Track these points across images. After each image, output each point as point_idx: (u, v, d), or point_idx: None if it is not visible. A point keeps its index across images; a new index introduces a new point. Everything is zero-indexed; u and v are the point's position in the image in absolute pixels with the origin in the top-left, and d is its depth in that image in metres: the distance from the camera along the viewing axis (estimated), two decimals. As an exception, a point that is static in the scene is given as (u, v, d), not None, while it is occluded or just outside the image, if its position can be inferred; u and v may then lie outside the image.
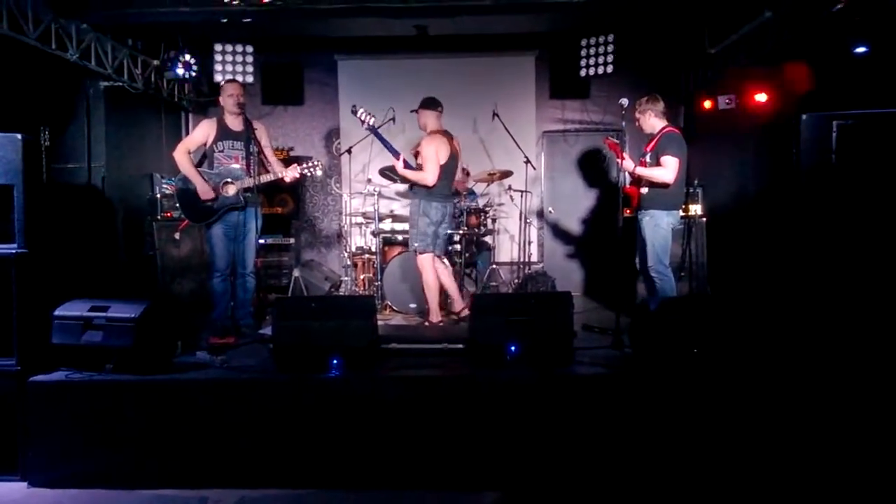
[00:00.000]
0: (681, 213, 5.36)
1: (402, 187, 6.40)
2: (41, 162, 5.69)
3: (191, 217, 5.24)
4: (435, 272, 5.47)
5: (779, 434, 3.66)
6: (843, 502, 3.48)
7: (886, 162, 3.89)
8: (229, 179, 5.08)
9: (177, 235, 6.74)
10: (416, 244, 5.48)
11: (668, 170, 4.95)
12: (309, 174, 5.27)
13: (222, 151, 5.15)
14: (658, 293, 5.01)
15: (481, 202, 7.04)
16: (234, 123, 5.20)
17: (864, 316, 3.83)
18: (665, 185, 4.98)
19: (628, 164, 5.04)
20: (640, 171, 5.04)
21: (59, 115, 6.37)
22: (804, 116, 4.03)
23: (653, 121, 5.17)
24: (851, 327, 3.83)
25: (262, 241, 5.75)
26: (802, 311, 4.00)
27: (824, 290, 3.95)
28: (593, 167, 8.09)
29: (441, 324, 5.54)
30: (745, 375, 3.75)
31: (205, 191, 5.03)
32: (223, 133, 5.18)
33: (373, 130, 5.62)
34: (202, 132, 5.22)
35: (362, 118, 5.58)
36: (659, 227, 5.01)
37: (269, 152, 5.31)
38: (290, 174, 5.15)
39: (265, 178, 5.10)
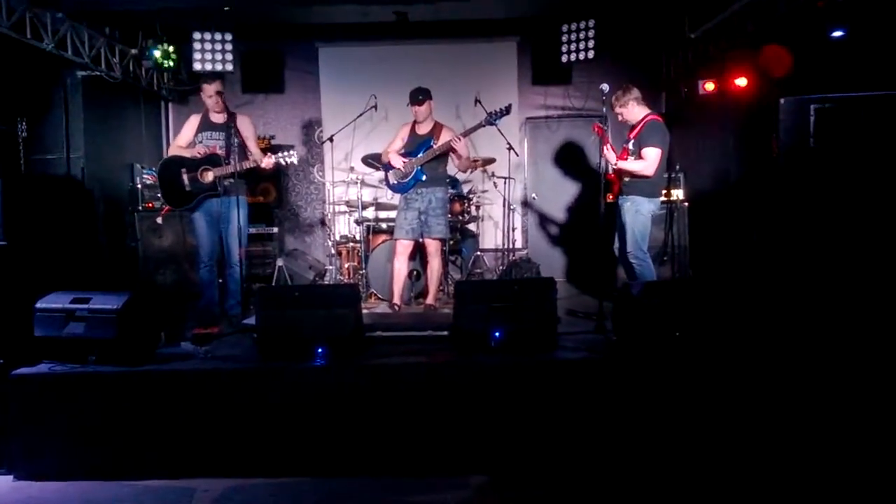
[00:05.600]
0: (662, 198, 5.40)
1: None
2: (18, 153, 5.64)
3: (170, 201, 5.29)
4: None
5: (761, 416, 3.71)
6: (829, 483, 3.53)
7: (863, 144, 3.94)
8: (207, 166, 5.10)
9: (158, 220, 6.70)
10: (446, 233, 5.69)
11: (648, 162, 4.98)
12: (284, 163, 5.25)
13: (202, 142, 5.22)
14: (638, 279, 5.06)
15: (465, 189, 7.04)
16: (217, 116, 5.30)
17: (843, 296, 3.89)
18: (645, 177, 5.02)
19: (610, 155, 5.06)
20: (621, 164, 5.08)
21: (36, 106, 6.29)
22: (783, 100, 4.08)
23: (635, 110, 5.19)
24: (831, 307, 3.90)
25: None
26: (783, 293, 4.06)
27: (804, 271, 4.01)
28: (576, 153, 8.12)
29: (434, 308, 5.61)
30: (727, 358, 3.81)
31: (196, 151, 5.12)
32: (204, 125, 5.28)
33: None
34: (189, 127, 5.32)
35: None
36: (640, 213, 5.05)
37: (251, 143, 5.30)
38: (266, 162, 5.16)
39: (242, 165, 5.11)
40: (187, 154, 5.18)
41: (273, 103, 8.28)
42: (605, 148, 5.02)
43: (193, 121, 5.34)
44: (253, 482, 3.67)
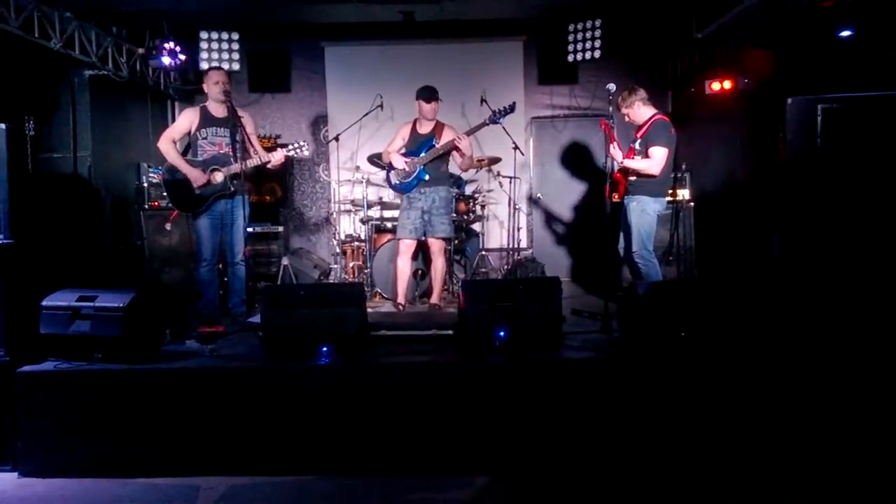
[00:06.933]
0: (668, 198, 5.39)
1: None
2: (26, 151, 5.66)
3: (179, 206, 5.23)
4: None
5: (767, 417, 3.70)
6: (832, 482, 3.52)
7: (870, 145, 3.92)
8: (216, 166, 5.06)
9: (168, 226, 6.72)
10: (450, 232, 5.68)
11: (654, 162, 4.97)
12: (295, 155, 5.24)
13: (206, 139, 5.12)
14: (643, 279, 5.04)
15: (470, 189, 7.03)
16: (218, 111, 5.17)
17: (850, 298, 3.87)
18: (651, 177, 5.00)
19: (617, 153, 5.05)
20: (628, 163, 5.07)
21: (43, 105, 6.32)
22: (789, 100, 4.05)
23: (641, 110, 5.18)
24: (837, 309, 3.87)
25: (250, 229, 5.73)
26: (789, 293, 4.04)
27: (810, 272, 3.98)
28: (582, 153, 8.11)
29: (439, 307, 5.61)
30: (733, 358, 3.79)
31: (196, 177, 5.00)
32: (207, 120, 5.14)
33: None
34: (186, 120, 5.19)
35: None
36: (645, 212, 5.04)
37: (254, 140, 5.26)
38: (276, 157, 5.12)
39: (251, 163, 5.07)
40: (184, 168, 5.03)
41: (279, 102, 8.30)
42: (611, 146, 5.00)
43: (191, 115, 5.17)
44: (257, 480, 3.67)
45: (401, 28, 7.72)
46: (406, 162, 5.49)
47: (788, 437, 3.67)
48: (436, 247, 5.60)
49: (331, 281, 6.98)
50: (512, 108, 5.38)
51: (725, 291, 4.09)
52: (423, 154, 5.46)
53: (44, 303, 3.89)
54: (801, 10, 5.22)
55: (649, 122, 5.11)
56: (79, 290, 3.94)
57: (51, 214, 5.38)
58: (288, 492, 3.57)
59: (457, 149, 5.42)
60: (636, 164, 5.06)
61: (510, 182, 6.88)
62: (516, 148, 6.64)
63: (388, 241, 6.30)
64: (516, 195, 7.05)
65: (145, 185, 6.91)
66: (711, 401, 3.72)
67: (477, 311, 4.02)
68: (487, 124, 5.39)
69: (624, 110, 5.19)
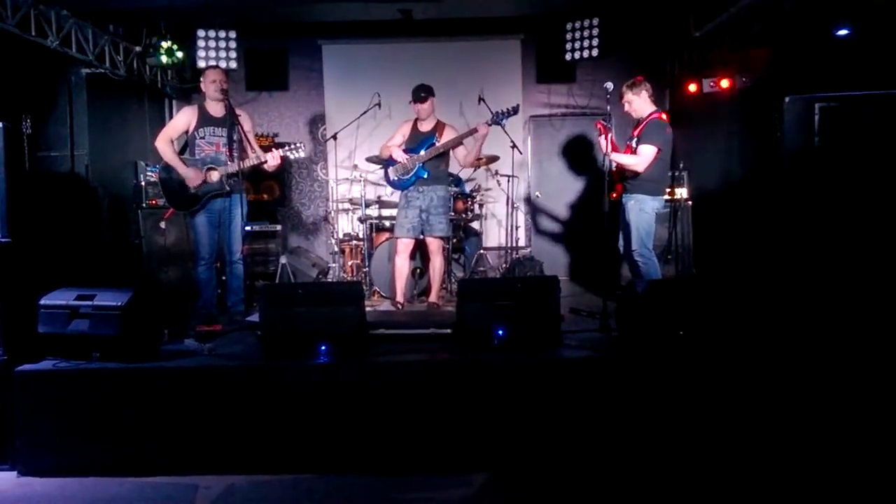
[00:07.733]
0: (666, 196, 5.39)
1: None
2: (23, 150, 5.65)
3: (175, 205, 5.21)
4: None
5: (764, 416, 3.70)
6: (830, 483, 3.53)
7: (867, 143, 3.93)
8: (212, 166, 5.05)
9: (162, 224, 6.71)
10: (448, 231, 5.73)
11: (640, 159, 4.97)
12: (292, 156, 5.22)
13: (203, 138, 5.10)
14: (643, 277, 5.04)
15: (468, 187, 7.03)
16: (216, 110, 5.16)
17: (847, 295, 3.88)
18: (635, 174, 5.01)
19: (606, 146, 5.03)
20: (615, 157, 5.07)
21: (40, 103, 6.30)
22: (787, 99, 4.06)
23: (644, 104, 5.16)
24: (835, 307, 3.88)
25: (248, 228, 5.71)
26: (787, 292, 4.05)
27: (808, 271, 3.99)
28: (580, 152, 8.11)
29: (437, 306, 5.61)
30: (731, 357, 3.80)
31: (192, 177, 4.99)
32: (204, 119, 5.12)
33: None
34: (184, 119, 5.17)
35: None
36: (644, 211, 5.04)
37: (251, 138, 5.24)
38: (273, 158, 5.10)
39: (248, 162, 5.06)
40: (179, 167, 5.01)
41: (277, 101, 8.29)
42: (605, 141, 4.98)
43: (189, 113, 5.16)
44: (255, 479, 3.67)
45: (399, 26, 7.70)
46: (406, 158, 5.48)
47: (786, 435, 3.67)
48: (434, 246, 5.60)
49: (329, 280, 6.98)
50: (515, 111, 5.37)
51: (723, 290, 4.10)
52: (422, 152, 5.46)
53: (42, 301, 3.89)
54: (799, 8, 5.23)
55: (646, 120, 5.11)
56: (77, 289, 3.94)
57: (48, 213, 5.37)
58: (286, 491, 3.58)
59: (458, 144, 5.41)
60: (622, 158, 5.06)
61: (508, 181, 6.87)
62: (514, 146, 6.63)
63: (387, 239, 6.29)
64: (514, 194, 7.04)
65: (143, 183, 6.88)
66: (709, 399, 3.72)
67: (475, 310, 4.03)
68: (489, 125, 5.37)
69: (629, 96, 5.14)
